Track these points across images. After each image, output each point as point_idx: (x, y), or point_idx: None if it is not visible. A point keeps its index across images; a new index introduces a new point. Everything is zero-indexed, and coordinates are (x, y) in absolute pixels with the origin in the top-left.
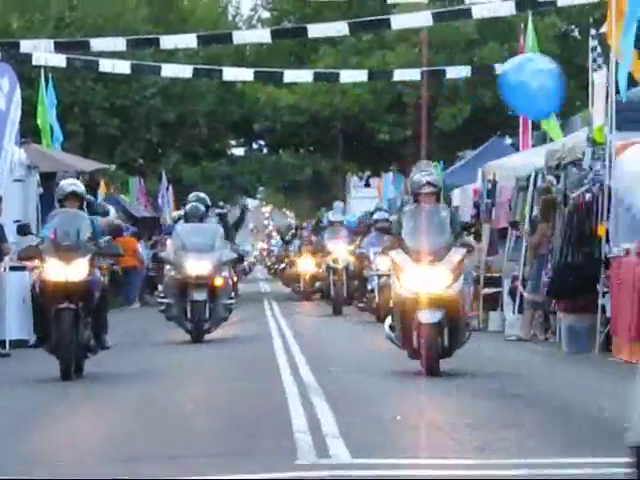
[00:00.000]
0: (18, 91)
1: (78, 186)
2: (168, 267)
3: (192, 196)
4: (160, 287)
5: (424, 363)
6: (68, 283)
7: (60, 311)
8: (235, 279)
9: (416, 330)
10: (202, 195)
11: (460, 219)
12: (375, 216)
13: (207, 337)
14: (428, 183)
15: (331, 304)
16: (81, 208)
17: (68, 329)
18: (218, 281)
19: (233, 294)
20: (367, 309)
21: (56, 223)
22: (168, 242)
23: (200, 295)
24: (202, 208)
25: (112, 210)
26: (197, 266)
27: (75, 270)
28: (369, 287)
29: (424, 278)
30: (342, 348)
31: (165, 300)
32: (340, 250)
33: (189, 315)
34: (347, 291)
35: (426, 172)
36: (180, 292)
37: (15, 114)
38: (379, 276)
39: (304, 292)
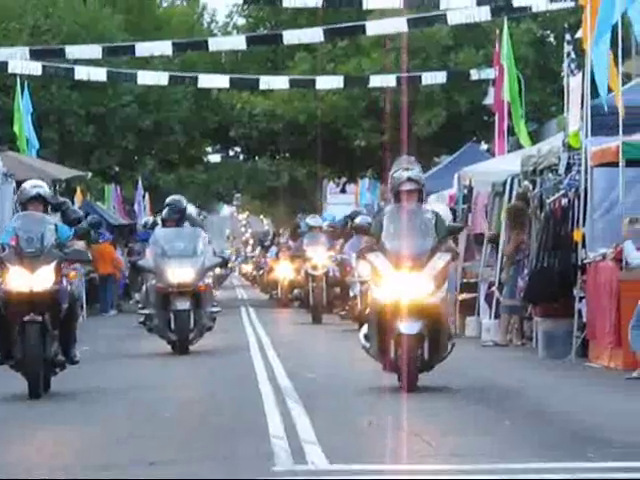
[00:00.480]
0: None
1: (42, 188)
2: (149, 276)
3: (169, 200)
4: (137, 296)
5: (402, 377)
6: (33, 293)
7: (25, 324)
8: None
9: (394, 341)
10: (178, 198)
11: (447, 223)
12: (357, 221)
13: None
14: (409, 179)
15: (310, 312)
16: (46, 212)
17: (34, 343)
18: (202, 288)
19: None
20: (349, 317)
21: (18, 228)
22: (147, 249)
23: (183, 304)
24: (179, 209)
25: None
26: (179, 273)
27: (40, 279)
28: (351, 294)
29: (405, 285)
30: (320, 356)
31: (145, 311)
32: (319, 256)
33: (172, 326)
34: (327, 298)
35: (407, 168)
36: (162, 301)
37: None
38: (361, 282)
39: (282, 299)
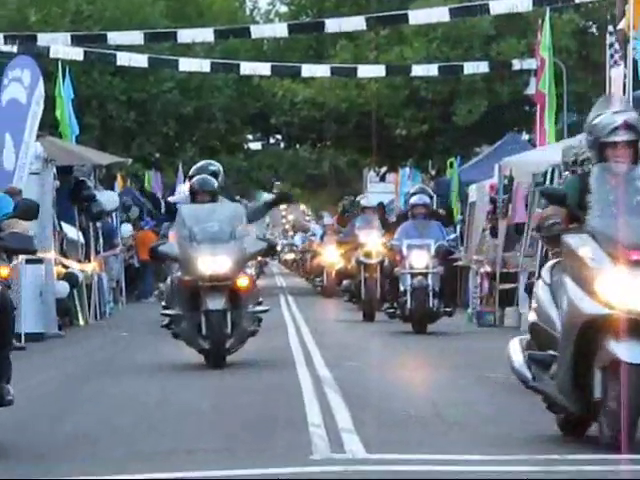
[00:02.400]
0: (41, 84)
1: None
2: (174, 266)
3: (200, 165)
4: (161, 286)
5: (622, 435)
6: None
7: None
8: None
9: (605, 372)
10: (214, 164)
11: None
12: (413, 200)
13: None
14: (626, 125)
15: (361, 307)
16: None
17: None
18: (242, 282)
19: (260, 298)
20: (398, 315)
21: None
22: (170, 231)
23: (217, 302)
24: (214, 181)
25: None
26: (212, 263)
27: None
28: (401, 288)
29: (624, 288)
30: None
31: (170, 311)
32: (374, 242)
33: (204, 331)
34: (381, 292)
35: (619, 111)
36: (190, 300)
37: (37, 108)
38: (412, 275)
39: (327, 288)
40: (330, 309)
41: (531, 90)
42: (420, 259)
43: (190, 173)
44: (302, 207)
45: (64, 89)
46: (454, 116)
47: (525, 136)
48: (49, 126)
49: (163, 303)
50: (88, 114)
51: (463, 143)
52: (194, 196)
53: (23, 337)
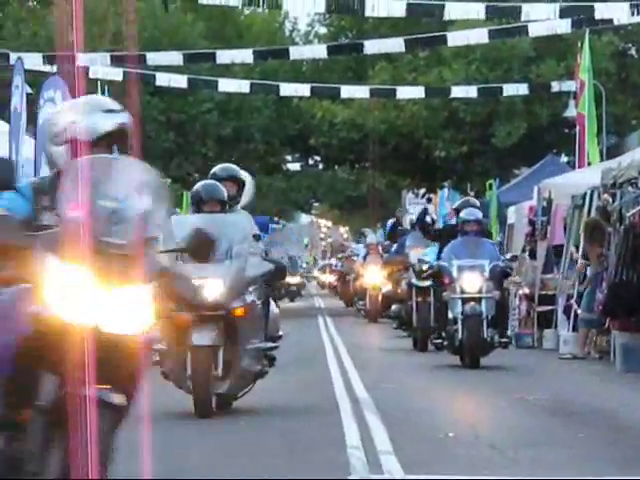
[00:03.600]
0: None
1: None
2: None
3: (217, 171)
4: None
5: None
6: None
7: None
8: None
9: None
10: (232, 167)
11: None
12: (463, 215)
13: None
14: None
15: (412, 335)
16: None
17: None
18: (238, 311)
19: (279, 331)
20: (446, 347)
21: None
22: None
23: (205, 336)
24: (224, 190)
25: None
26: (201, 287)
27: None
28: (450, 315)
29: None
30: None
31: (157, 347)
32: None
33: (188, 371)
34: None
35: None
36: (177, 331)
37: None
38: (464, 300)
39: (371, 312)
40: (374, 335)
41: (570, 112)
42: (473, 282)
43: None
44: (342, 230)
45: None
46: (493, 138)
47: (564, 158)
48: None
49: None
50: None
51: (502, 165)
52: (199, 205)
53: None
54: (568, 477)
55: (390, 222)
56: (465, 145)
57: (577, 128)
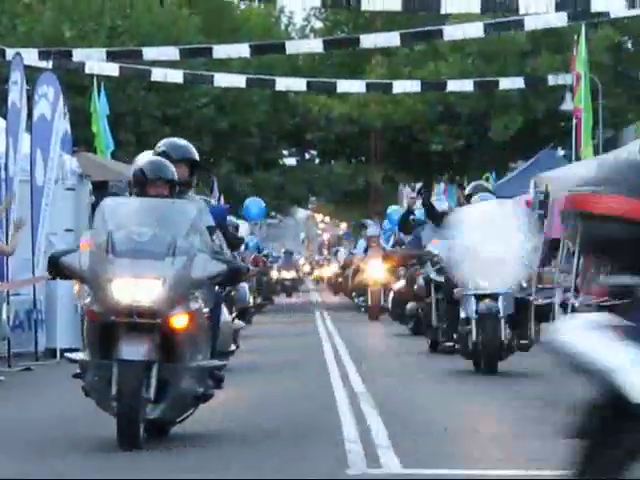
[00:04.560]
0: (61, 101)
1: None
2: (83, 289)
3: (165, 146)
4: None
5: None
6: None
7: None
8: (233, 315)
9: None
10: (185, 147)
11: None
12: (475, 201)
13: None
14: None
15: (429, 335)
16: None
17: None
18: (179, 321)
19: (233, 345)
20: (457, 350)
21: None
22: (84, 236)
23: (136, 350)
24: (173, 169)
25: None
26: (133, 288)
27: None
28: (462, 314)
29: None
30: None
31: (77, 355)
32: None
33: (113, 390)
34: None
35: None
36: (101, 341)
37: (59, 123)
38: (478, 297)
39: (372, 309)
40: (378, 335)
41: (566, 106)
42: (490, 276)
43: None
44: (342, 225)
45: (99, 105)
46: (489, 132)
47: (561, 151)
48: (84, 142)
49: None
50: (123, 130)
51: (498, 158)
52: (142, 188)
53: (58, 352)
54: (567, 471)
55: (391, 209)
56: (461, 139)
57: (573, 121)
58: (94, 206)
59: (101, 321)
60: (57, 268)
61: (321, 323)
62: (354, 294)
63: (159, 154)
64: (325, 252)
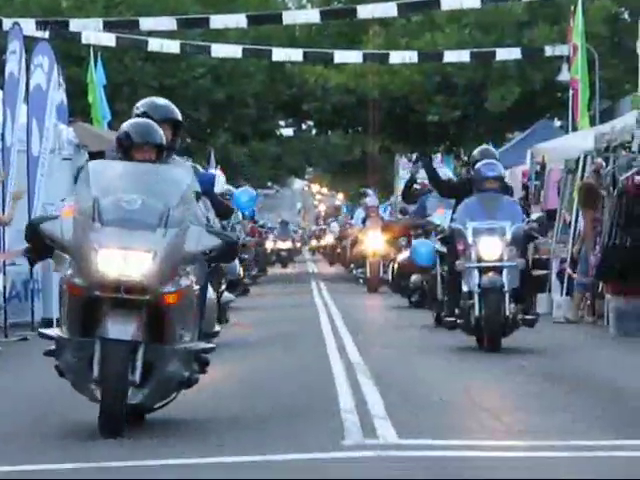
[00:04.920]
0: (56, 71)
1: None
2: (63, 259)
3: (146, 105)
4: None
5: None
6: None
7: None
8: (223, 288)
9: None
10: (168, 107)
11: None
12: (481, 170)
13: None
14: None
15: (435, 309)
16: None
17: None
18: (169, 298)
19: (216, 327)
20: (459, 326)
21: None
22: (67, 202)
23: (124, 328)
24: (161, 132)
25: None
26: (122, 261)
27: None
28: (464, 288)
29: None
30: None
31: (53, 331)
32: None
33: (95, 371)
34: None
35: None
36: (82, 318)
37: (54, 93)
38: (481, 270)
39: (371, 281)
40: (377, 308)
41: (563, 76)
42: (492, 248)
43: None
44: (340, 196)
45: (96, 75)
46: (486, 102)
47: (557, 122)
48: (81, 112)
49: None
50: (119, 100)
51: (495, 129)
52: (127, 153)
53: (55, 323)
54: (564, 442)
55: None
56: (458, 110)
57: (570, 92)
58: None
59: (84, 295)
60: (36, 235)
61: (317, 294)
62: (352, 266)
63: (139, 115)
64: (321, 223)
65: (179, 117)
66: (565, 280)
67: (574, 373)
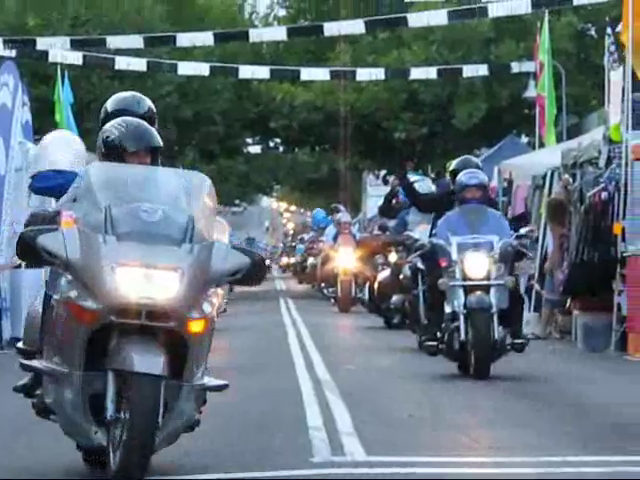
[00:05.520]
0: (20, 90)
1: None
2: (58, 275)
3: (123, 101)
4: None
5: None
6: None
7: None
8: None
9: None
10: (139, 98)
11: None
12: (462, 179)
13: None
14: None
15: (417, 332)
16: None
17: None
18: (195, 326)
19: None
20: (442, 351)
21: None
22: (66, 210)
23: (152, 361)
24: (155, 133)
25: None
26: (146, 282)
27: None
28: (447, 309)
29: None
30: None
31: (40, 364)
32: None
33: (109, 411)
34: None
35: None
36: (84, 347)
37: (20, 112)
38: (466, 289)
39: (343, 300)
40: (350, 329)
41: (530, 93)
42: (478, 265)
43: (109, 108)
44: (308, 213)
45: (63, 94)
46: (453, 119)
47: (524, 139)
48: (48, 130)
49: (20, 345)
50: (87, 118)
51: (462, 146)
52: (118, 152)
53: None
54: (532, 458)
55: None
56: (425, 126)
57: (537, 109)
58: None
59: (95, 321)
60: (31, 251)
61: (286, 312)
62: (323, 285)
63: (109, 115)
64: (290, 240)
65: (159, 144)
66: (533, 296)
67: (542, 389)
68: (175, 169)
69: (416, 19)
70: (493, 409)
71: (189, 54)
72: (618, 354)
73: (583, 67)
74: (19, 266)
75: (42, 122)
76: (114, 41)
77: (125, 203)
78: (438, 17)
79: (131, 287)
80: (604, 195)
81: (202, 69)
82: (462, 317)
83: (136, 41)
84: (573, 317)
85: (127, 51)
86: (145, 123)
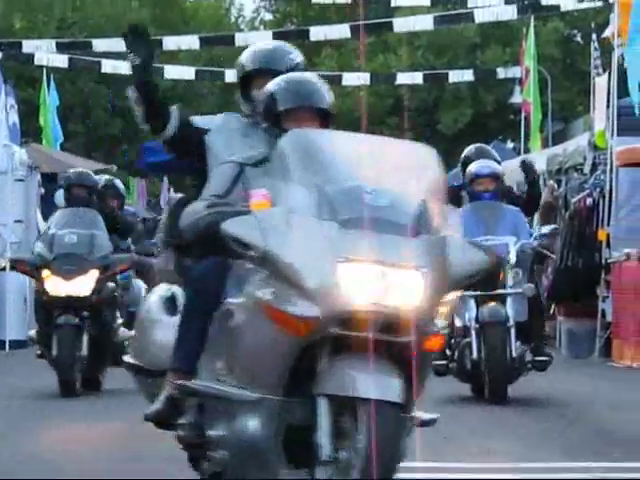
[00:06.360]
0: (4, 93)
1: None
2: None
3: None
4: None
5: None
6: None
7: None
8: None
9: None
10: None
11: None
12: (473, 168)
13: None
14: None
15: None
16: None
17: None
18: (433, 341)
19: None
20: (452, 371)
21: None
22: (254, 190)
23: (388, 383)
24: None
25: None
26: (380, 281)
27: None
28: (457, 323)
29: None
30: None
31: (201, 385)
32: None
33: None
34: None
35: None
36: (287, 365)
37: (4, 115)
38: (478, 300)
39: None
40: None
41: (516, 99)
42: None
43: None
44: None
45: (49, 97)
46: (439, 124)
47: (510, 144)
48: (34, 133)
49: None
50: (73, 121)
51: (448, 151)
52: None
53: (7, 344)
54: (516, 464)
55: None
56: (411, 132)
57: (522, 114)
58: (43, 197)
59: (310, 334)
60: (211, 240)
61: None
62: None
63: (248, 73)
64: None
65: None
66: None
67: (526, 395)
68: (399, 140)
69: (402, 24)
70: (479, 417)
71: (175, 58)
72: (602, 360)
73: (569, 73)
74: (3, 269)
75: (29, 125)
76: (100, 44)
77: (337, 182)
78: (424, 22)
79: (362, 290)
80: (589, 201)
81: (188, 73)
82: (474, 332)
83: (122, 44)
84: (557, 323)
85: (113, 54)
86: (314, 77)
